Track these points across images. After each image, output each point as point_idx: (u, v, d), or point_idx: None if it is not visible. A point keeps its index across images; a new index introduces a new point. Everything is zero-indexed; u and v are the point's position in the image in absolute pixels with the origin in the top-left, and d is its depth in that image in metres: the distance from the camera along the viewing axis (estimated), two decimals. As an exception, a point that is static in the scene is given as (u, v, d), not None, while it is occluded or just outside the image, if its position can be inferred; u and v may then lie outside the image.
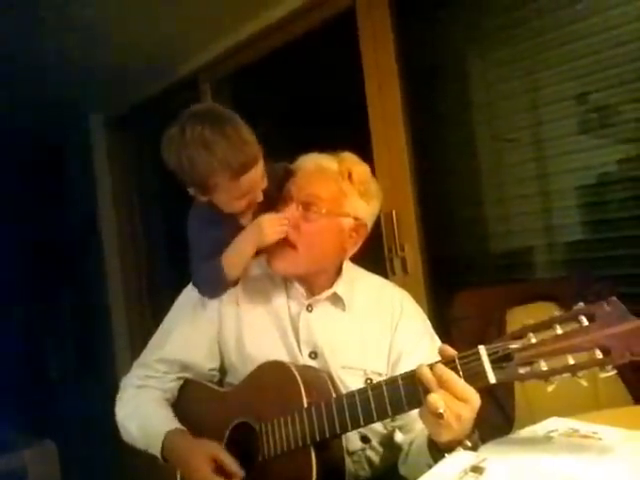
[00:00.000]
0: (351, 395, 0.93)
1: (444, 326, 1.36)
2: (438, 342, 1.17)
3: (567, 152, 1.82)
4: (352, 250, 1.19)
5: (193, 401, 1.16)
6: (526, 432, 0.89)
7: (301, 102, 2.58)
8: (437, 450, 0.88)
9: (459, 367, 0.80)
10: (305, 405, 0.97)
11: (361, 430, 1.07)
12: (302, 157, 1.19)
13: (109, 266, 3.60)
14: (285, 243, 1.09)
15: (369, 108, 2.14)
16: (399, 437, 1.10)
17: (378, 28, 2.10)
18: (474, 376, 0.79)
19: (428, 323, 1.21)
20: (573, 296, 1.38)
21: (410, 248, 2.03)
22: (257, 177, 1.08)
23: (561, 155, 1.84)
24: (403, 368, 1.07)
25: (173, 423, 1.11)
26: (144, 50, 2.67)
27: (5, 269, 3.79)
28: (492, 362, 0.78)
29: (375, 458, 1.13)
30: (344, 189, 1.12)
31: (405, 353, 1.12)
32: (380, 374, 1.11)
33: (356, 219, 1.14)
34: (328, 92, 2.41)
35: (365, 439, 1.10)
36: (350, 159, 1.17)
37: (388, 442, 1.12)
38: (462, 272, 2.08)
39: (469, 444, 0.84)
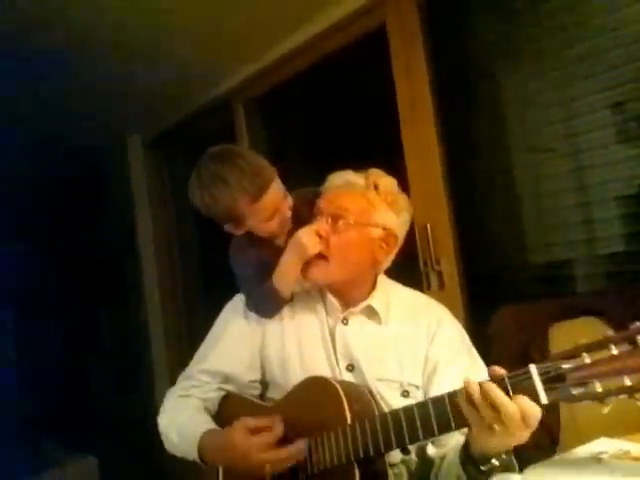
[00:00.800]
0: (396, 413, 0.93)
1: (483, 343, 1.33)
2: (477, 356, 1.17)
3: (605, 163, 1.78)
4: (385, 261, 1.21)
5: (235, 414, 1.17)
6: (573, 454, 0.87)
7: (333, 119, 2.60)
8: (471, 461, 0.87)
9: (509, 386, 0.79)
10: (348, 421, 0.98)
11: None
12: (331, 175, 1.23)
13: (147, 283, 3.67)
14: (316, 255, 1.13)
15: (402, 124, 2.14)
16: (431, 450, 1.09)
17: (409, 45, 2.11)
18: (525, 396, 0.77)
19: (466, 336, 1.20)
20: (619, 310, 1.35)
21: (446, 262, 2.01)
22: (277, 195, 1.16)
23: (599, 166, 1.81)
24: (439, 380, 1.09)
25: (209, 425, 1.13)
26: (179, 71, 2.74)
27: (45, 286, 3.91)
28: (544, 382, 0.76)
29: (413, 469, 1.12)
30: (371, 200, 1.15)
31: (441, 365, 1.12)
32: (417, 386, 1.12)
33: (385, 229, 1.16)
34: (360, 108, 2.43)
35: (405, 450, 1.10)
36: (376, 172, 1.21)
37: (422, 454, 1.12)
38: (500, 287, 2.04)
39: (504, 457, 0.84)
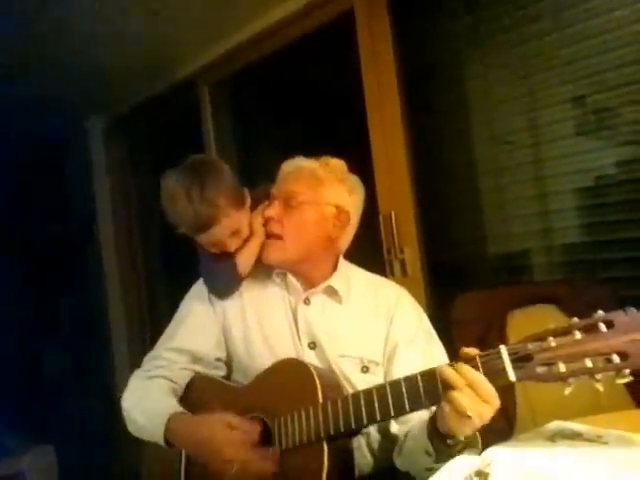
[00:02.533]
0: (368, 391, 0.96)
1: (444, 329, 1.36)
2: (435, 336, 1.21)
3: (565, 154, 1.83)
4: (341, 239, 1.24)
5: (204, 395, 1.19)
6: (529, 436, 0.90)
7: (299, 105, 2.58)
8: (437, 435, 0.90)
9: (479, 365, 0.83)
10: (320, 401, 1.00)
11: None
12: (283, 163, 1.27)
13: (107, 268, 3.59)
14: (272, 237, 1.18)
15: (368, 110, 2.14)
16: (394, 428, 1.12)
17: (376, 30, 2.11)
18: (494, 374, 0.82)
19: (424, 316, 1.24)
20: (573, 298, 1.40)
21: (409, 250, 2.03)
22: (222, 233, 1.16)
23: (559, 157, 1.85)
24: (399, 359, 1.13)
25: (177, 408, 1.12)
26: (143, 52, 2.67)
27: (3, 271, 3.78)
28: (512, 361, 0.81)
29: (375, 447, 1.15)
30: (321, 178, 1.20)
31: (400, 345, 1.15)
32: (377, 363, 1.15)
33: (337, 207, 1.20)
34: (326, 95, 2.42)
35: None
36: (324, 157, 1.26)
37: (384, 432, 1.14)
38: (461, 275, 2.08)
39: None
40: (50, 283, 4.04)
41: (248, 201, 1.22)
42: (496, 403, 0.83)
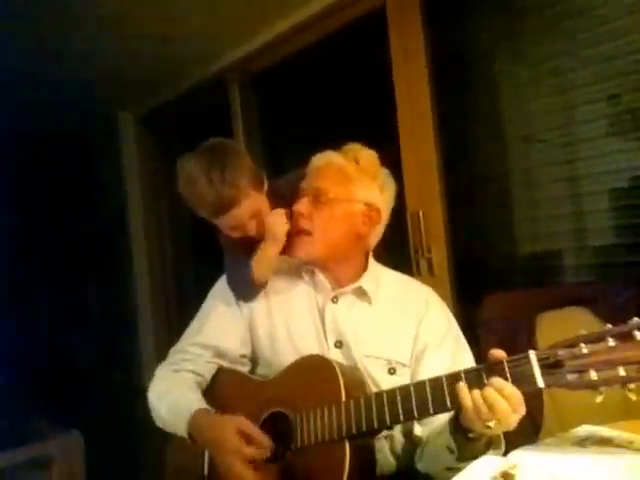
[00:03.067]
0: (392, 391, 0.95)
1: (471, 329, 1.34)
2: (464, 341, 1.18)
3: (599, 154, 1.79)
4: (370, 236, 1.22)
5: (228, 388, 1.19)
6: (556, 440, 0.88)
7: (328, 102, 2.58)
8: (460, 431, 0.90)
9: (507, 370, 0.81)
10: (343, 398, 0.99)
11: None
12: (313, 157, 1.24)
13: (136, 261, 3.65)
14: (302, 233, 1.16)
15: (398, 107, 2.13)
16: (418, 430, 1.11)
17: (408, 27, 2.09)
18: (522, 380, 0.80)
19: (453, 321, 1.22)
20: (606, 302, 1.37)
21: (437, 249, 2.02)
22: (242, 215, 1.16)
23: (592, 157, 1.81)
24: (426, 363, 1.11)
25: (201, 404, 1.13)
26: (174, 49, 2.70)
27: (34, 260, 3.88)
28: (541, 367, 0.79)
29: (398, 449, 1.14)
30: (351, 175, 1.17)
31: (429, 348, 1.14)
32: (404, 365, 1.14)
33: (367, 204, 1.17)
34: (356, 91, 2.41)
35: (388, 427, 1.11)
36: (355, 147, 1.22)
37: (408, 434, 1.14)
38: (489, 275, 2.05)
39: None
40: (81, 275, 4.13)
41: (266, 185, 1.22)
42: (522, 411, 0.81)
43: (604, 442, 0.82)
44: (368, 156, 1.21)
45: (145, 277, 3.63)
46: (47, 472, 2.00)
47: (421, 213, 2.03)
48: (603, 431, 0.86)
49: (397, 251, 2.02)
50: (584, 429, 0.88)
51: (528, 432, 1.27)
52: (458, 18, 2.11)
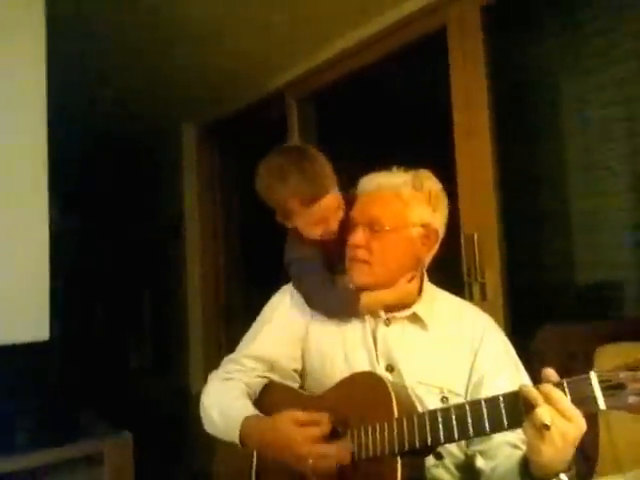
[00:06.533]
0: (447, 409, 0.93)
1: (523, 359, 1.31)
2: (522, 368, 1.15)
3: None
4: (427, 257, 1.21)
5: (277, 402, 1.19)
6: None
7: (385, 121, 2.59)
8: (529, 476, 0.87)
9: (567, 390, 0.80)
10: (395, 415, 0.99)
11: None
12: (362, 179, 1.24)
13: (190, 268, 3.76)
14: (361, 262, 1.16)
15: (455, 127, 2.12)
16: (480, 462, 1.08)
17: (469, 48, 2.09)
18: (583, 400, 0.79)
19: (511, 347, 1.19)
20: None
21: (491, 274, 1.98)
22: (329, 207, 1.20)
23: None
24: (486, 391, 1.07)
25: (253, 410, 1.15)
26: (239, 62, 2.79)
27: (93, 263, 4.05)
28: (603, 389, 0.78)
29: (446, 479, 1.11)
30: (405, 199, 1.15)
31: (487, 377, 1.11)
32: (458, 394, 1.11)
33: (424, 226, 1.16)
34: (413, 111, 2.41)
35: (438, 456, 1.09)
36: (422, 174, 1.20)
37: (464, 466, 1.11)
38: (544, 303, 1.99)
39: (565, 478, 0.82)
40: (137, 279, 4.28)
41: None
42: (582, 424, 0.79)
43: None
44: (431, 187, 1.19)
45: (196, 287, 3.72)
46: (97, 469, 2.07)
47: (476, 235, 2.00)
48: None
49: (450, 273, 1.99)
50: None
51: (581, 474, 1.22)
52: (520, 41, 2.08)
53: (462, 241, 2.02)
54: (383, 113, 2.60)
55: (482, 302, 1.96)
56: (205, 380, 1.30)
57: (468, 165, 2.07)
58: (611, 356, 1.36)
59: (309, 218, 1.20)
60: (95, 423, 2.39)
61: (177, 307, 3.81)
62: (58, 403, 2.20)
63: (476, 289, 2.00)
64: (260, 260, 3.32)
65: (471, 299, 2.00)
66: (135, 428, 2.28)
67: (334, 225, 1.22)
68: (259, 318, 1.32)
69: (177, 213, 3.81)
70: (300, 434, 1.02)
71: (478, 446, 1.08)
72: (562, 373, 0.89)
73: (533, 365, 1.40)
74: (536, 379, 0.94)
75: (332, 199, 1.20)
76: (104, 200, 4.17)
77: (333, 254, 1.26)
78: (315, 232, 1.23)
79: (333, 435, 1.05)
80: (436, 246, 1.21)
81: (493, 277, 1.98)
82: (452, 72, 2.13)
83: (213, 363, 1.35)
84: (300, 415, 1.05)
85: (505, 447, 1.02)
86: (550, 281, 2.02)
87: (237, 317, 3.45)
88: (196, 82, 3.00)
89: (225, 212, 3.69)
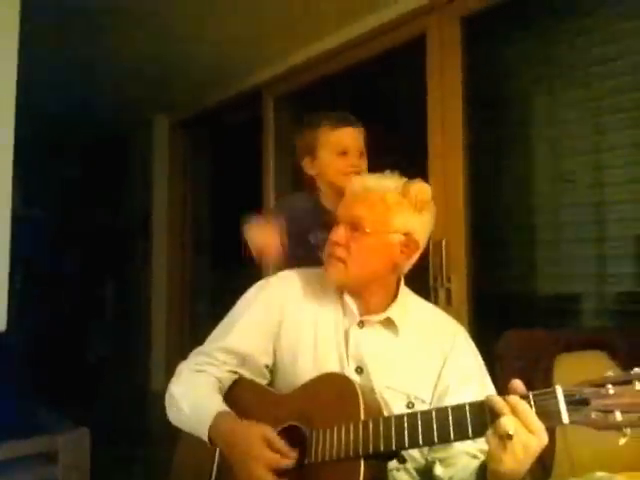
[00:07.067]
0: (413, 415, 0.94)
1: (485, 363, 1.34)
2: (489, 382, 1.16)
3: (628, 200, 1.78)
4: (405, 265, 1.20)
5: (244, 398, 1.18)
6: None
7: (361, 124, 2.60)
8: None
9: (532, 403, 0.81)
10: (362, 417, 0.98)
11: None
12: (354, 178, 1.25)
13: (155, 261, 3.70)
14: (337, 259, 1.16)
15: (429, 136, 2.15)
16: (439, 470, 1.08)
17: (446, 59, 2.13)
18: (547, 414, 0.80)
19: (479, 358, 1.19)
20: (625, 348, 1.36)
21: (457, 280, 2.02)
22: (353, 139, 1.51)
23: (622, 202, 1.80)
24: (450, 398, 1.08)
25: (225, 407, 1.13)
26: (214, 59, 2.77)
27: (56, 254, 3.95)
28: (567, 403, 0.79)
29: None
30: (390, 205, 1.14)
31: (452, 388, 1.11)
32: (423, 401, 1.12)
33: (406, 234, 1.15)
34: (388, 117, 2.43)
35: (402, 459, 1.09)
36: (415, 185, 1.18)
37: (425, 471, 1.11)
38: (507, 310, 2.04)
39: None
40: (100, 271, 4.19)
41: None
42: (544, 437, 0.80)
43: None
44: (419, 190, 1.16)
45: (162, 280, 3.67)
46: (53, 466, 2.01)
47: (444, 241, 2.03)
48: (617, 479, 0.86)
49: (416, 277, 2.02)
50: (599, 476, 0.87)
51: (537, 476, 1.25)
52: (496, 53, 2.13)
53: (430, 247, 2.05)
54: (359, 117, 2.61)
55: (447, 306, 2.00)
56: (166, 376, 1.27)
57: (440, 173, 2.11)
58: (570, 364, 1.41)
59: (334, 146, 1.49)
60: (51, 418, 2.32)
61: (140, 298, 3.75)
62: (10, 396, 2.13)
63: (442, 294, 2.04)
64: (228, 257, 3.29)
65: (436, 304, 2.03)
66: (93, 423, 2.23)
67: (362, 163, 1.51)
68: (232, 312, 1.29)
69: (146, 207, 3.75)
70: (265, 456, 1.01)
71: (438, 454, 1.08)
72: (523, 378, 0.91)
73: (495, 369, 1.43)
74: (498, 383, 0.96)
75: (358, 137, 1.52)
76: (70, 189, 4.07)
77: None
78: (338, 166, 1.47)
79: (295, 441, 1.04)
80: (415, 255, 1.20)
81: (459, 283, 2.02)
82: (429, 81, 2.17)
83: (174, 357, 1.32)
84: (275, 439, 1.02)
85: (463, 456, 1.03)
86: (514, 290, 2.07)
87: (201, 313, 3.42)
88: (173, 75, 2.96)
89: (194, 208, 3.66)
